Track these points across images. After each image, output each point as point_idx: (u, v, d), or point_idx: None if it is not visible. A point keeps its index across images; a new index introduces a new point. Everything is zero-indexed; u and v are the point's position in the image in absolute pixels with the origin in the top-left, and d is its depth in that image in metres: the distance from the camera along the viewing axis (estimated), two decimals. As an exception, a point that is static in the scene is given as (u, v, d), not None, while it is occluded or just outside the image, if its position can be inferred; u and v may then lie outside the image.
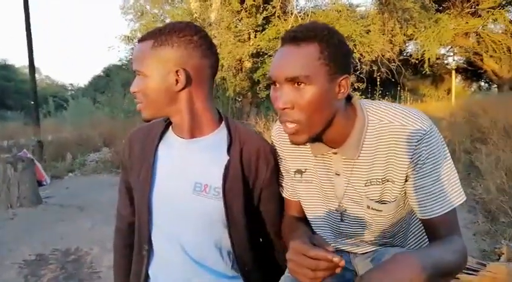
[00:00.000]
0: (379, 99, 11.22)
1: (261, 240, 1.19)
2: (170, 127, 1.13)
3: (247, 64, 10.92)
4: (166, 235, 1.08)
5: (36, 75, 12.29)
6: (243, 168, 1.07)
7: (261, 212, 1.14)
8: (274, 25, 10.47)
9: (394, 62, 11.44)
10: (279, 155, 1.13)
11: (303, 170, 1.08)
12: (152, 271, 1.13)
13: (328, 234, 1.11)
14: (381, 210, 1.01)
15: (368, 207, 1.02)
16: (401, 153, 0.94)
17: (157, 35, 1.00)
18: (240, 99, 12.18)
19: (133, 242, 1.16)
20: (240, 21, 10.66)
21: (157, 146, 1.11)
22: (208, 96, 1.07)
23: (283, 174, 1.14)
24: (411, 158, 0.93)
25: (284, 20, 10.48)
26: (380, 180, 0.99)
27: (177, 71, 0.99)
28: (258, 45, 10.37)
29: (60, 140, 11.23)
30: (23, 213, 5.61)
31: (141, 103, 1.03)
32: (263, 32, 10.60)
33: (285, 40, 0.93)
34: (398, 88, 12.13)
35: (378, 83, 11.01)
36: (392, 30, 11.33)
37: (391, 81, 12.16)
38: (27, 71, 11.64)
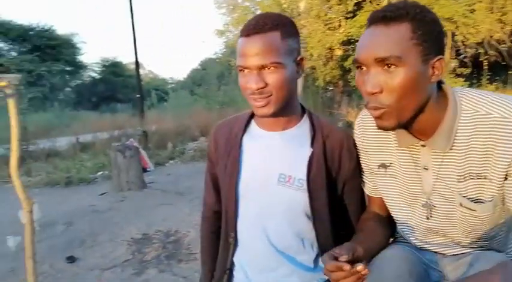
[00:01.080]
0: (486, 86, 10.23)
1: (343, 233, 1.18)
2: (253, 120, 1.18)
3: (338, 52, 10.66)
4: (252, 224, 1.13)
5: (141, 70, 13.38)
6: (326, 160, 1.08)
7: (344, 205, 1.14)
8: (366, 11, 10.06)
9: (505, 43, 10.29)
10: (360, 150, 1.11)
11: (387, 164, 1.03)
12: (237, 258, 1.18)
13: (413, 232, 1.05)
14: (475, 210, 0.93)
15: (460, 204, 0.94)
16: (501, 148, 0.86)
17: (282, 26, 1.01)
18: (330, 89, 11.99)
19: (219, 229, 1.22)
20: (329, 9, 10.44)
21: (241, 138, 1.16)
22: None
23: (364, 169, 1.12)
24: None
25: (377, 5, 10.01)
26: (475, 177, 0.91)
27: (301, 59, 1.05)
28: (349, 33, 10.05)
29: (162, 130, 12.14)
30: (131, 196, 6.23)
31: (270, 96, 1.01)
32: (354, 19, 10.26)
33: (373, 20, 0.88)
34: (510, 72, 10.91)
35: (485, 67, 10.02)
36: (502, 8, 10.18)
37: (501, 65, 10.98)
38: (133, 66, 12.70)
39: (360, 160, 1.12)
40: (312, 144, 1.09)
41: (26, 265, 3.25)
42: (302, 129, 1.11)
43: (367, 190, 1.13)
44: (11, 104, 3.23)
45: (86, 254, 3.94)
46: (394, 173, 1.03)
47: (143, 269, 3.50)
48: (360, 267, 0.80)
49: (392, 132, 1.01)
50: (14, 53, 25.18)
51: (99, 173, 8.06)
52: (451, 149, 0.92)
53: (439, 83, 0.94)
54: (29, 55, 24.08)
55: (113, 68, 29.94)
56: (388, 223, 1.12)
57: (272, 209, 1.10)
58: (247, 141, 1.16)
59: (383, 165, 1.05)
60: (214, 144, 1.23)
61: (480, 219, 0.94)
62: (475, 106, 0.90)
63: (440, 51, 0.87)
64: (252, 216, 1.13)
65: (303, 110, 1.15)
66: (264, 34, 1.00)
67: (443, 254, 1.04)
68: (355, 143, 1.12)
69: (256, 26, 1.00)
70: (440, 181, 0.95)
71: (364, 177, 1.13)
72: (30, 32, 25.45)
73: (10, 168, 3.32)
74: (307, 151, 1.08)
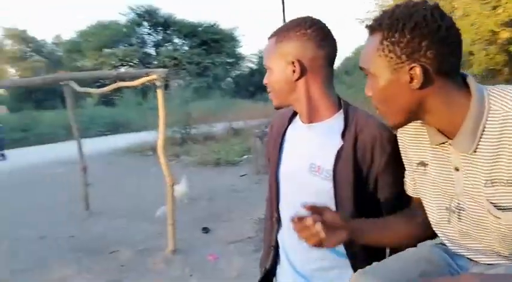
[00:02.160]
0: None
1: None
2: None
3: (504, 35, 9.12)
4: (289, 208, 1.20)
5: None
6: (356, 154, 1.10)
7: (378, 201, 1.13)
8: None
9: None
10: (401, 146, 1.07)
11: (426, 163, 0.99)
12: (280, 237, 1.27)
13: (447, 235, 1.00)
14: (499, 218, 0.86)
15: (488, 211, 0.87)
16: None
17: (279, 33, 1.14)
18: (490, 76, 10.40)
19: None
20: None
21: (286, 129, 1.25)
22: (326, 83, 1.15)
23: (406, 167, 1.08)
24: None
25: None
26: (505, 182, 0.83)
27: (292, 62, 1.11)
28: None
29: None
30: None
31: (270, 93, 1.19)
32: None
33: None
34: None
35: None
36: None
37: None
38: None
39: (397, 156, 1.09)
40: (343, 136, 1.12)
41: (168, 230, 3.90)
42: (336, 122, 1.15)
43: (408, 190, 1.09)
44: (160, 94, 3.87)
45: (218, 227, 4.46)
46: (431, 172, 0.99)
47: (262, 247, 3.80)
48: (308, 221, 0.94)
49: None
50: (185, 48, 28.91)
51: (244, 157, 8.81)
52: (475, 152, 0.85)
53: (465, 80, 0.87)
54: (198, 49, 27.35)
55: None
56: (418, 224, 1.07)
57: (304, 195, 1.14)
58: (290, 131, 1.25)
59: (422, 163, 1.00)
60: (270, 132, 1.36)
61: (507, 229, 0.86)
62: (506, 106, 0.81)
63: (418, 59, 0.82)
64: (288, 200, 1.22)
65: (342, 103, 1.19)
66: (269, 39, 1.17)
67: (477, 262, 0.97)
68: (393, 139, 1.09)
69: (271, 34, 1.17)
70: (469, 183, 0.89)
71: (405, 176, 1.09)
72: (199, 28, 28.85)
73: (157, 148, 4.00)
74: (337, 143, 1.12)
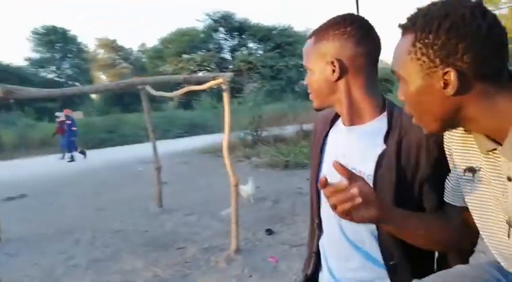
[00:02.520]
0: None
1: None
2: None
3: None
4: (329, 213, 1.11)
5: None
6: (399, 159, 1.03)
7: (419, 207, 1.05)
8: None
9: None
10: (447, 151, 0.99)
11: (477, 169, 0.90)
12: (321, 243, 1.24)
13: (503, 250, 0.89)
14: None
15: None
16: None
17: (318, 32, 1.11)
18: None
19: None
20: None
21: (328, 131, 1.21)
22: (368, 83, 1.09)
23: (451, 173, 0.99)
24: None
25: None
26: None
27: (332, 62, 1.06)
28: None
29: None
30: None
31: (311, 94, 1.16)
32: None
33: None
34: None
35: None
36: None
37: None
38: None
39: (443, 161, 1.00)
40: (386, 140, 1.05)
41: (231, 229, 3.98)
42: (379, 124, 1.09)
43: (446, 195, 1.02)
44: (225, 97, 3.97)
45: (282, 229, 4.45)
46: (483, 180, 0.90)
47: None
48: (344, 183, 0.89)
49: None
50: (260, 52, 29.39)
51: (313, 160, 8.70)
52: None
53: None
54: (271, 52, 27.66)
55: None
56: (454, 227, 1.00)
57: None
58: (332, 134, 1.21)
59: (471, 169, 0.90)
60: (313, 133, 1.32)
61: None
62: None
63: (453, 63, 0.75)
64: (329, 206, 1.18)
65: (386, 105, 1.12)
66: (308, 40, 1.13)
67: None
68: (440, 142, 1.00)
69: (311, 33, 1.13)
70: None
71: (446, 181, 1.01)
72: (273, 32, 29.20)
73: (223, 149, 4.10)
74: (380, 147, 1.06)
